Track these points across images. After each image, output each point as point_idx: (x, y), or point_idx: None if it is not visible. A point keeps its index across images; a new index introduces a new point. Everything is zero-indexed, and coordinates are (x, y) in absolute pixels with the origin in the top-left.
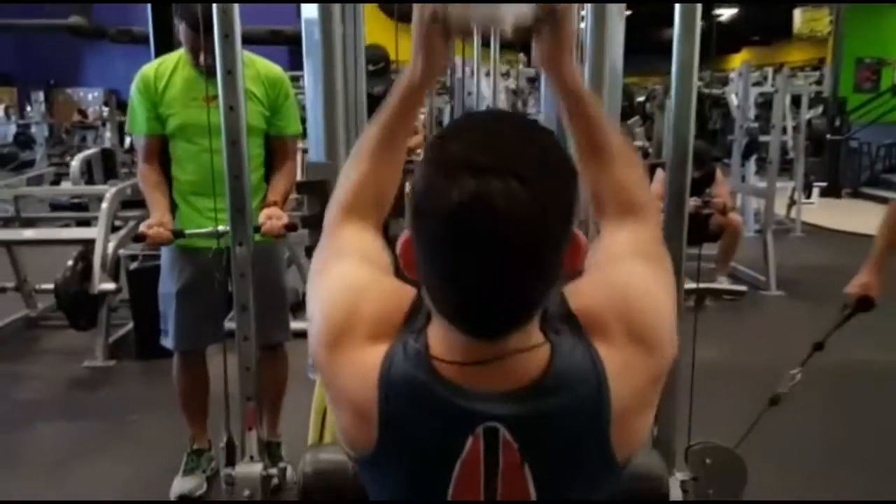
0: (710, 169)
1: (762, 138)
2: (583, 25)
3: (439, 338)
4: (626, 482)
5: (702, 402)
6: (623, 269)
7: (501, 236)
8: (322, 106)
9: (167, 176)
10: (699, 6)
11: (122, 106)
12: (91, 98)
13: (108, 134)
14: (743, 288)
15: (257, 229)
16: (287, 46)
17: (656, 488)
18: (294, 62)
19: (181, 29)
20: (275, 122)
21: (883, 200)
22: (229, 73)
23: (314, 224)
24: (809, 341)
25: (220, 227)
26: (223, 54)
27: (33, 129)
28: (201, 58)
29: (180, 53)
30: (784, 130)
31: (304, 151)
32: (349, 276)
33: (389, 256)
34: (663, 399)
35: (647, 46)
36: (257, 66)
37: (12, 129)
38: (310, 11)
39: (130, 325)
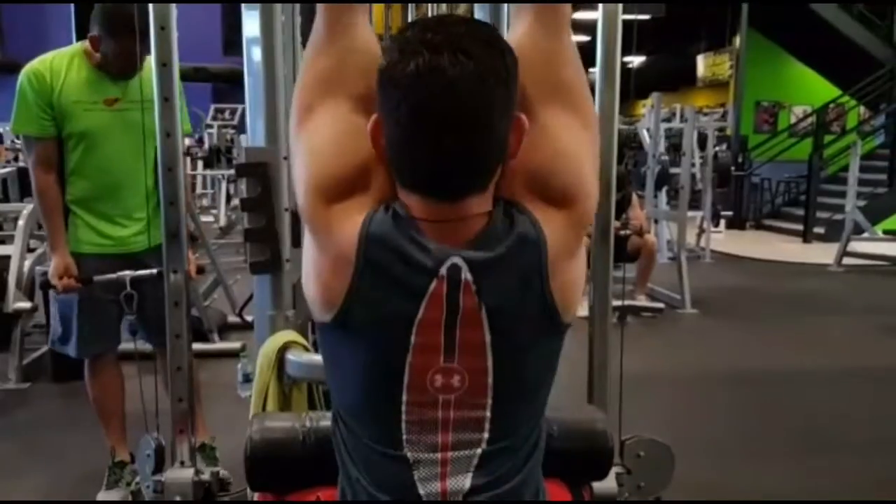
0: (626, 193)
1: (672, 170)
2: None
3: (409, 203)
4: (570, 440)
5: (629, 405)
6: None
7: (453, 100)
8: (263, 91)
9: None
10: (619, 52)
11: None
12: (2, 131)
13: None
14: (661, 305)
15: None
16: (210, 83)
17: (601, 444)
18: (217, 97)
19: (106, 38)
20: None
21: (783, 231)
22: (166, 100)
23: (253, 208)
24: (722, 352)
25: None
26: (161, 82)
27: None
28: (129, 65)
29: (73, 50)
30: (693, 164)
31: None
32: (341, 131)
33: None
34: (596, 396)
35: None
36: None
37: None
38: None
39: (46, 347)
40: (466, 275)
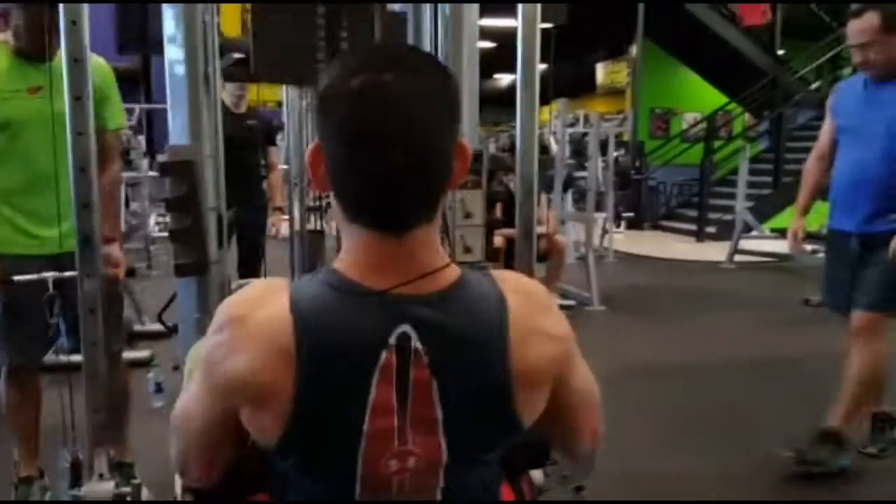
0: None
1: (577, 174)
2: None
3: (353, 258)
4: None
5: None
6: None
7: (400, 115)
8: (186, 88)
9: None
10: (537, 55)
11: None
12: None
13: None
14: (572, 303)
15: None
16: None
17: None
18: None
19: (16, 11)
20: (99, 113)
21: (678, 231)
22: (78, 98)
23: (178, 207)
24: (630, 347)
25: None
26: (69, 42)
27: None
28: (27, 39)
29: None
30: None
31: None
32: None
33: None
34: None
35: (488, 98)
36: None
37: None
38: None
39: None
40: (416, 344)
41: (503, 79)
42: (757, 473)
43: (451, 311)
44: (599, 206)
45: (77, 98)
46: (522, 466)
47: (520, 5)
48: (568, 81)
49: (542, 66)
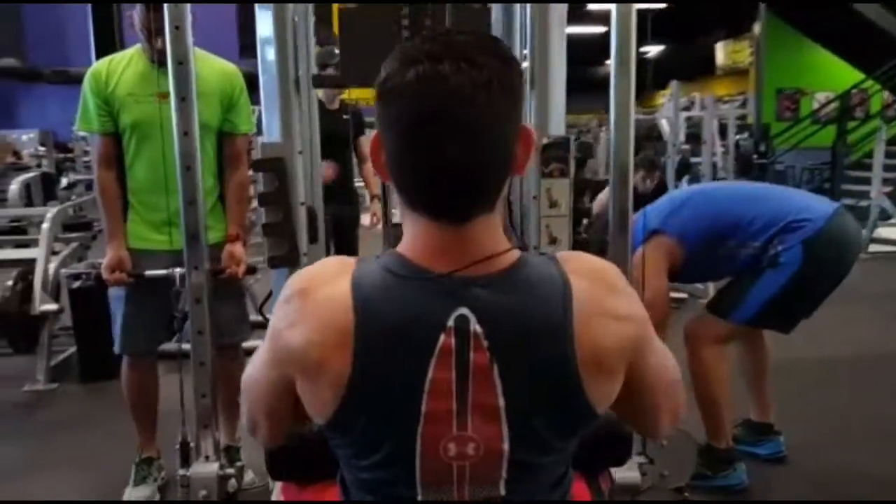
0: (661, 180)
1: (693, 160)
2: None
3: (415, 243)
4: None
5: None
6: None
7: (456, 107)
8: (277, 88)
9: (122, 179)
10: (633, 40)
11: (58, 146)
12: (26, 139)
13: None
14: (684, 296)
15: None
16: None
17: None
18: None
19: (136, 13)
20: (229, 118)
21: None
22: (181, 63)
23: (270, 202)
24: None
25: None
26: (174, 45)
27: None
28: (158, 42)
29: (134, 49)
30: (714, 153)
31: None
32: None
33: None
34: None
35: (580, 86)
36: (211, 62)
37: None
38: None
39: (73, 349)
40: (475, 326)
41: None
42: None
43: (511, 292)
44: None
45: (182, 99)
46: (601, 464)
47: None
48: (685, 63)
49: (656, 49)
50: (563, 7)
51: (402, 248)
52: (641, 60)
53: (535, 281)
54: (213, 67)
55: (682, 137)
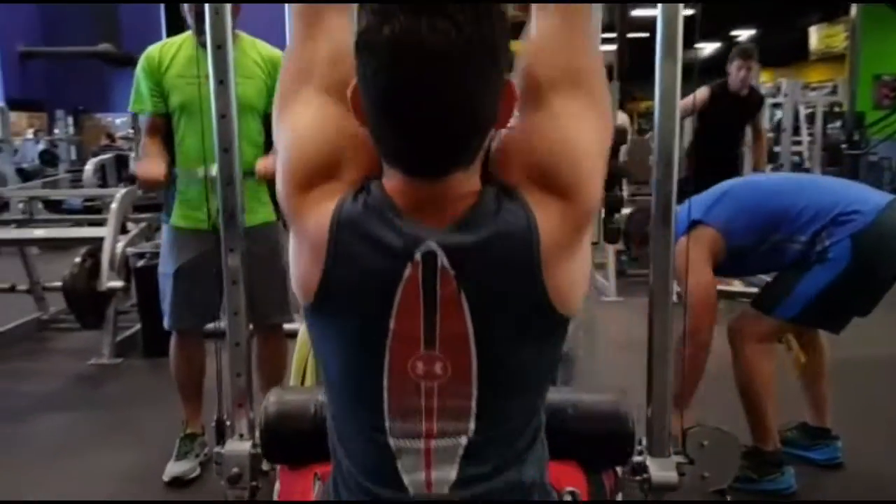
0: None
1: (776, 149)
2: None
3: (390, 187)
4: (589, 422)
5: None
6: (542, 122)
7: (431, 72)
8: None
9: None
10: (680, 22)
11: None
12: (119, 123)
13: (132, 154)
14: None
15: (251, 173)
16: None
17: (621, 427)
18: None
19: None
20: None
21: None
22: (219, 47)
23: None
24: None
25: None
26: (213, 29)
27: (59, 149)
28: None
29: (187, 34)
30: (799, 142)
31: None
32: (328, 116)
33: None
34: (656, 381)
35: (691, 68)
36: (258, 48)
37: (40, 149)
38: None
39: (138, 326)
40: (443, 261)
41: (707, 48)
42: None
43: (477, 227)
44: None
45: (220, 82)
46: (604, 461)
47: None
48: (777, 48)
49: (747, 33)
50: (598, 15)
51: (386, 185)
52: (730, 45)
53: (498, 213)
54: (260, 52)
55: (766, 125)
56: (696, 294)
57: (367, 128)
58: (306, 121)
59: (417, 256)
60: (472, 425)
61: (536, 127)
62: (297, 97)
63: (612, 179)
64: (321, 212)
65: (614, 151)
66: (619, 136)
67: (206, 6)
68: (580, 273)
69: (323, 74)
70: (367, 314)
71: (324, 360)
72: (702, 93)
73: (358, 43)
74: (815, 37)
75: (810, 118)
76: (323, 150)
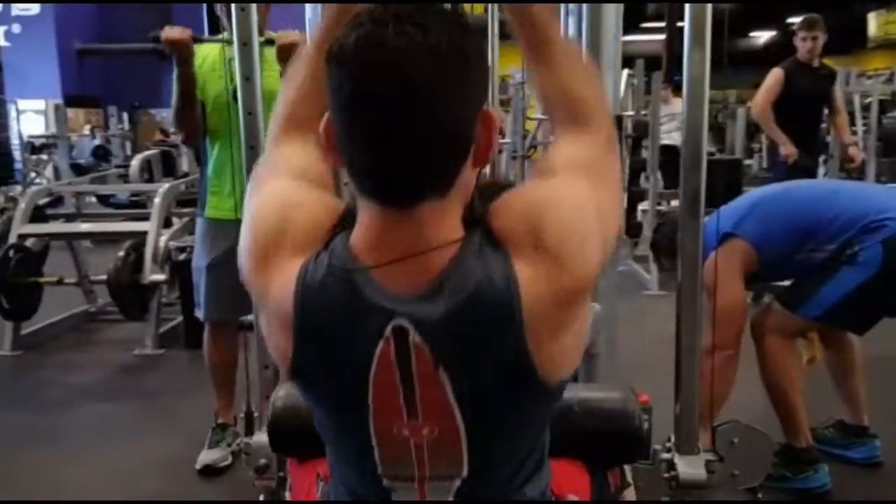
0: None
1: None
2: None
3: (359, 231)
4: (596, 419)
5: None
6: (546, 183)
7: (396, 76)
8: None
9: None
10: (709, 7)
11: None
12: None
13: (184, 149)
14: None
15: (271, 42)
16: None
17: (629, 425)
18: None
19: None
20: None
21: None
22: (245, 44)
23: None
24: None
25: None
26: (239, 26)
27: (113, 145)
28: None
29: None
30: (855, 132)
31: None
32: (283, 192)
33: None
34: (684, 378)
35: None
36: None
37: (95, 144)
38: None
39: (180, 318)
40: (415, 337)
41: (761, 36)
42: None
43: (449, 294)
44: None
45: (246, 79)
46: (611, 459)
47: None
48: (835, 34)
49: (798, 19)
50: (619, 14)
51: (353, 233)
52: (786, 33)
53: (473, 275)
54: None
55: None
56: (728, 311)
57: (341, 161)
58: (273, 193)
59: (388, 332)
60: (465, 470)
61: (537, 196)
62: (270, 179)
63: (635, 173)
64: (284, 280)
65: (636, 146)
66: (642, 128)
67: (233, 5)
68: (572, 346)
69: (295, 160)
70: (343, 392)
71: (311, 408)
72: (775, 74)
73: (327, 60)
74: (874, 23)
75: (866, 107)
76: (303, 217)
